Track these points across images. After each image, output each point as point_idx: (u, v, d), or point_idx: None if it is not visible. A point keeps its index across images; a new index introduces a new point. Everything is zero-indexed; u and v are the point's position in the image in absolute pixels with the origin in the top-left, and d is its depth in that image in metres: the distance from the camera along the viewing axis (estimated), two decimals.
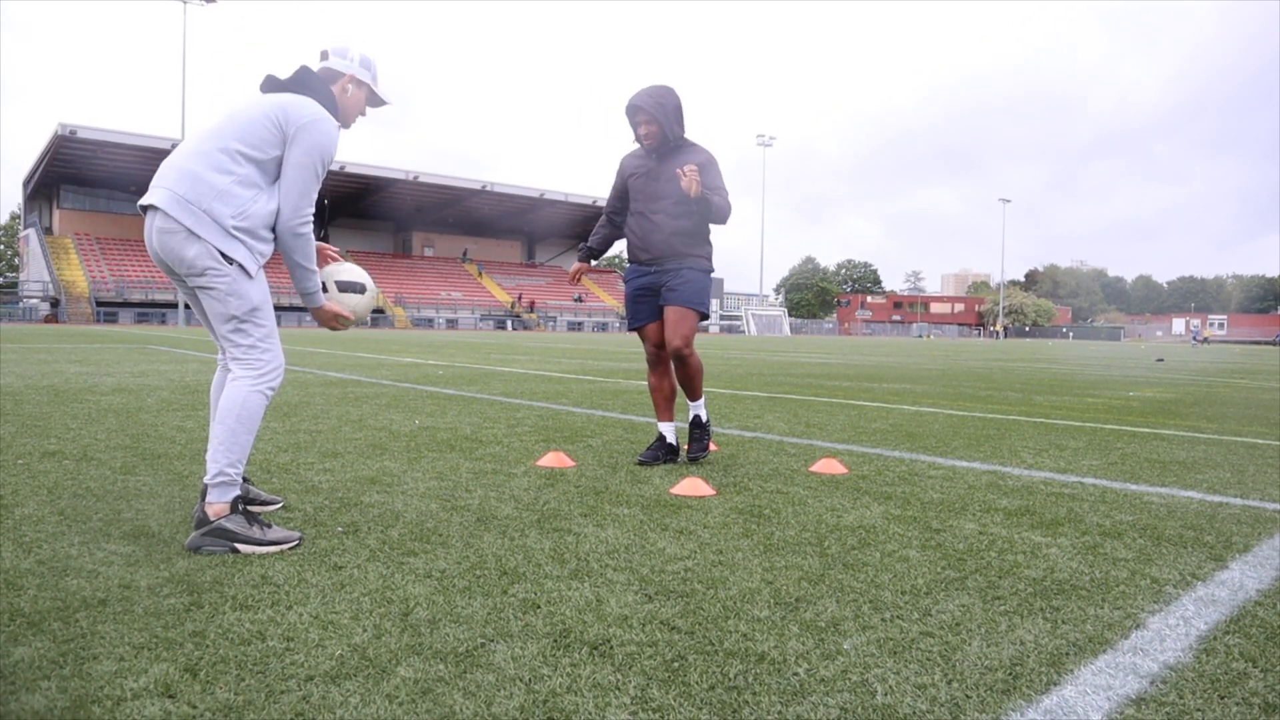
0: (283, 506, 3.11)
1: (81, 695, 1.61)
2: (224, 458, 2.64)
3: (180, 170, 2.63)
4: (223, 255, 2.63)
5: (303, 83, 2.81)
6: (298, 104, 2.72)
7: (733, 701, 1.65)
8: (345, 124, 2.97)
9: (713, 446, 4.70)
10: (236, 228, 2.63)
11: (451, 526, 2.90)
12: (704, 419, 4.25)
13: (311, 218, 2.76)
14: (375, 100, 3.05)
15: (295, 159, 2.69)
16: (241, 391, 2.67)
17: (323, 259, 3.12)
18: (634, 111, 4.09)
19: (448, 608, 2.12)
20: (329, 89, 2.85)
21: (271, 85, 2.82)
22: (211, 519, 2.57)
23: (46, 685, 1.65)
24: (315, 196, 2.75)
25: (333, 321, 2.98)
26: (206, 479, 2.64)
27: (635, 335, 4.41)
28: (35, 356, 11.80)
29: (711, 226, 4.28)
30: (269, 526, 2.63)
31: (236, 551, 2.54)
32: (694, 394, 4.23)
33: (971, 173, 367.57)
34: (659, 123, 4.03)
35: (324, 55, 2.93)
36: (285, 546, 2.59)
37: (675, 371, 4.20)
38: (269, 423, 5.34)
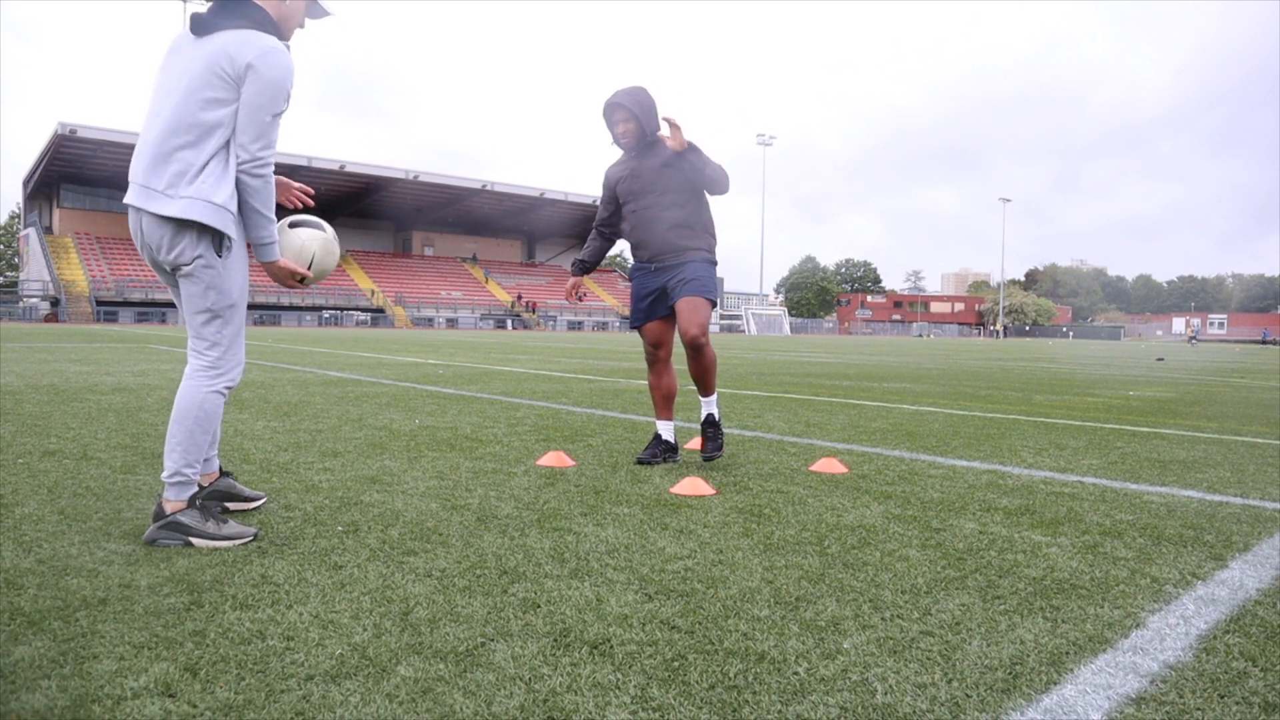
0: (265, 502, 3.09)
1: (82, 694, 1.61)
2: (181, 458, 2.64)
3: (156, 162, 2.55)
4: (217, 236, 2.58)
5: (236, 13, 2.58)
6: (240, 42, 2.53)
7: (733, 701, 1.65)
8: (284, 37, 2.72)
9: None
10: (227, 203, 2.57)
11: (451, 526, 2.90)
12: (717, 418, 4.17)
13: (270, 162, 2.59)
14: (316, 11, 2.85)
15: (249, 99, 2.52)
16: (200, 393, 2.65)
17: (284, 192, 2.91)
18: (613, 110, 4.10)
19: (448, 607, 2.12)
20: (264, 11, 2.63)
21: (202, 26, 2.58)
22: (168, 513, 2.59)
23: (47, 684, 1.65)
24: (275, 135, 2.58)
25: (288, 280, 2.79)
26: (163, 476, 2.65)
27: (636, 334, 4.37)
28: (35, 356, 11.80)
29: (712, 216, 4.26)
30: (225, 522, 2.64)
31: (190, 545, 2.55)
32: (708, 389, 4.13)
33: (973, 171, 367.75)
34: (637, 119, 4.05)
35: None
36: (239, 542, 2.59)
37: (690, 364, 4.11)
38: (269, 422, 5.34)
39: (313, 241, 2.81)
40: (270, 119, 2.57)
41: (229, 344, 2.70)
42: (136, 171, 2.62)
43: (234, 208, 2.60)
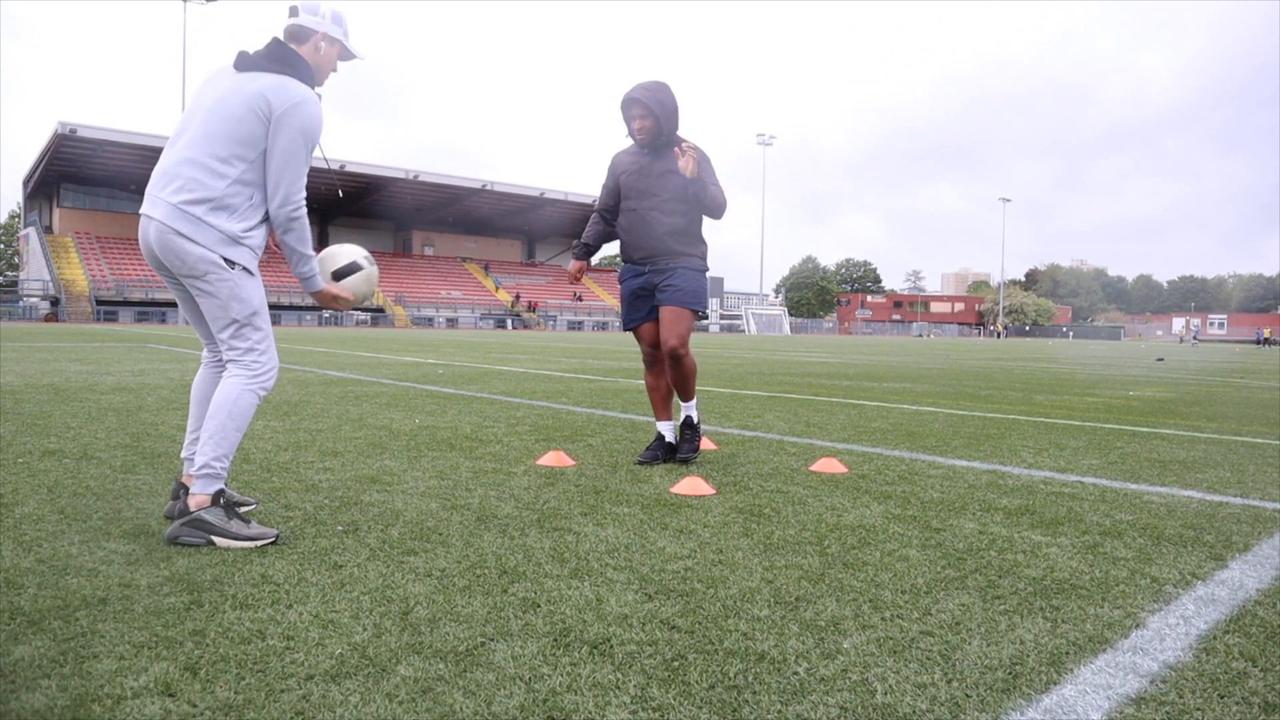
0: (255, 506, 3.09)
1: (82, 694, 1.61)
2: (211, 451, 2.66)
3: (177, 177, 2.64)
4: (225, 260, 2.65)
5: (280, 59, 2.72)
6: (278, 88, 2.65)
7: (733, 701, 1.65)
8: (319, 83, 2.87)
9: (712, 445, 4.70)
10: (239, 234, 2.66)
11: (451, 526, 2.90)
12: (695, 420, 4.26)
13: (304, 202, 2.72)
14: (347, 55, 2.96)
15: (282, 145, 2.65)
16: (235, 390, 2.70)
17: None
18: (630, 105, 4.08)
19: (448, 607, 2.12)
20: (304, 60, 2.77)
21: (246, 63, 2.71)
22: (192, 509, 2.60)
23: (47, 684, 1.65)
24: (305, 180, 2.72)
25: (332, 303, 2.96)
26: (192, 470, 2.68)
27: (632, 334, 4.40)
28: (35, 355, 11.80)
29: (706, 224, 4.28)
30: (248, 522, 2.65)
31: (213, 544, 2.56)
32: (687, 395, 4.23)
33: (975, 169, 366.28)
34: (655, 117, 4.03)
35: (293, 12, 2.81)
36: (262, 543, 2.60)
37: (669, 372, 4.20)
38: (269, 421, 5.34)
39: (357, 285, 3.08)
40: (301, 165, 2.69)
41: (263, 347, 2.77)
42: (156, 184, 2.70)
43: (252, 243, 2.70)
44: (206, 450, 2.66)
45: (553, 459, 4.13)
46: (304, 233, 2.74)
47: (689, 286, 4.10)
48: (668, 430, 4.27)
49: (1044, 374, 13.69)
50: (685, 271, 4.12)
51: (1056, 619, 2.14)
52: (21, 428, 4.86)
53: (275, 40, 2.77)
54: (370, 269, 3.12)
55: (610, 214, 4.39)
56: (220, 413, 2.68)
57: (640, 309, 4.23)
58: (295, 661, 1.78)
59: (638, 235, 4.16)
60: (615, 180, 4.28)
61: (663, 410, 4.30)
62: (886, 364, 15.78)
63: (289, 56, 2.75)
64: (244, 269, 2.69)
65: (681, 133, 4.18)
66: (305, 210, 2.73)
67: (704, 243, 4.26)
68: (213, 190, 2.62)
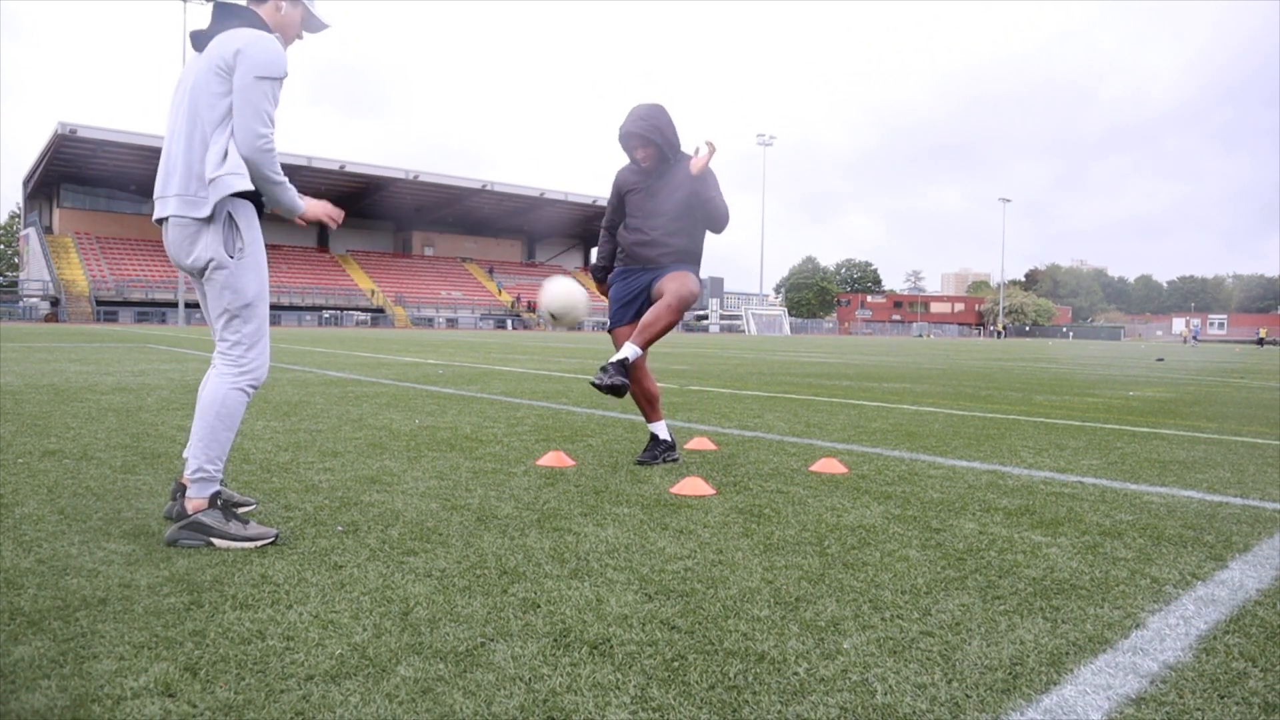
0: (255, 507, 3.09)
1: (81, 694, 1.61)
2: (203, 454, 2.67)
3: (180, 171, 2.66)
4: (234, 238, 2.65)
5: (229, 15, 2.69)
6: (228, 38, 2.62)
7: (733, 701, 1.65)
8: (284, 43, 2.81)
9: (712, 445, 4.71)
10: (237, 166, 2.61)
11: (451, 526, 2.90)
12: (629, 362, 3.82)
13: (272, 136, 2.65)
14: (313, 23, 2.91)
15: (238, 84, 2.58)
16: (222, 389, 2.70)
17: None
18: (628, 139, 4.10)
19: (448, 607, 2.12)
20: (253, 11, 2.73)
21: (201, 40, 2.69)
22: (189, 513, 2.61)
23: (46, 684, 1.65)
24: (272, 114, 2.64)
25: (324, 216, 2.90)
26: (186, 474, 2.68)
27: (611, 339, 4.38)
28: (35, 355, 11.80)
29: (706, 235, 4.29)
30: (246, 523, 2.65)
31: (212, 545, 2.56)
32: (644, 339, 3.86)
33: (976, 168, 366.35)
34: (655, 144, 4.05)
35: None
36: (261, 543, 2.60)
37: (656, 305, 3.94)
38: (269, 421, 5.34)
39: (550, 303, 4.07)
40: (260, 99, 2.60)
41: (250, 342, 2.75)
42: (159, 186, 2.73)
43: (232, 168, 2.61)
44: (198, 454, 2.67)
45: (553, 459, 4.13)
46: (274, 162, 2.67)
47: (685, 265, 4.15)
48: (662, 430, 4.27)
49: (1044, 374, 13.69)
50: (681, 261, 4.16)
51: (1056, 619, 2.14)
52: (21, 428, 4.85)
53: (217, 4, 2.73)
54: (544, 306, 4.09)
55: (617, 230, 4.41)
56: (208, 414, 2.68)
57: (628, 311, 4.25)
58: (295, 662, 1.78)
59: (638, 251, 4.19)
60: (619, 198, 4.31)
61: (652, 412, 4.29)
62: (886, 364, 15.78)
63: (235, 11, 2.71)
64: (245, 246, 2.68)
65: (682, 137, 4.20)
66: (273, 144, 2.65)
67: (699, 260, 4.30)
68: (211, 154, 2.61)
